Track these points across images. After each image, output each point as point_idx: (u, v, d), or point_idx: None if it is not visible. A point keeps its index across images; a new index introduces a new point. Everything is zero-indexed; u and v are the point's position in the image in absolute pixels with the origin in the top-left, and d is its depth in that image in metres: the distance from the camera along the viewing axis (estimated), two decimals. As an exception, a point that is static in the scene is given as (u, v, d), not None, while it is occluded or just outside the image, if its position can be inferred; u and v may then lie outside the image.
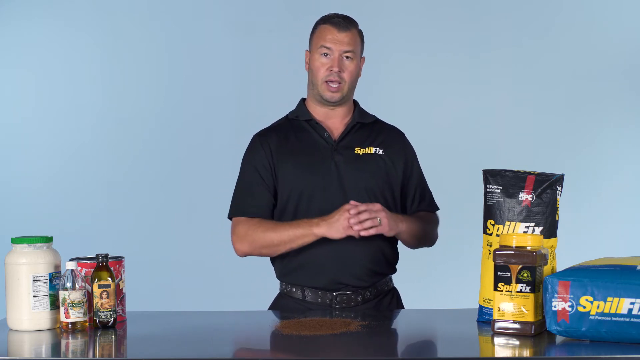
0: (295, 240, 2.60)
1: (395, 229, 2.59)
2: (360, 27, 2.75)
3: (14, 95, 4.65)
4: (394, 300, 2.76)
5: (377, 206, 2.54)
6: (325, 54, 2.67)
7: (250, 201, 2.70)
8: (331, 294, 2.65)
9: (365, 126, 2.77)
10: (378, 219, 2.52)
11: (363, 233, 2.52)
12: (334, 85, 2.67)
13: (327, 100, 2.70)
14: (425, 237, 2.74)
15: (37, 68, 4.64)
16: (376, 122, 2.81)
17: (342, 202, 2.63)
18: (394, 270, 2.78)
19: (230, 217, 2.74)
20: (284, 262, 2.71)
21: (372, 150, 2.72)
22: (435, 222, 2.80)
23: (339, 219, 2.53)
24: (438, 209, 2.83)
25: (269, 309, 2.76)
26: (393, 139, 2.77)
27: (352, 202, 2.53)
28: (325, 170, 2.68)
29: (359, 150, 2.72)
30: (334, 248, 2.61)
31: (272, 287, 2.80)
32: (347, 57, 2.67)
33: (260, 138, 2.76)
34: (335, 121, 2.75)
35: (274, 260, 2.75)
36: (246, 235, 2.66)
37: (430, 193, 2.82)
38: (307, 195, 2.67)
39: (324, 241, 2.61)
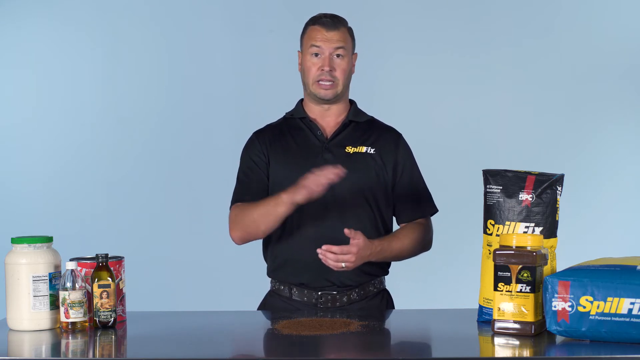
0: (270, 209, 2.59)
1: (359, 264, 2.56)
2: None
3: (14, 95, 4.65)
4: (384, 302, 2.75)
5: (352, 251, 2.50)
6: (316, 54, 2.68)
7: (245, 190, 2.72)
8: (316, 293, 2.66)
9: (360, 125, 2.77)
10: (343, 264, 2.50)
11: (323, 261, 2.51)
12: (327, 83, 2.67)
13: (321, 98, 2.70)
14: (408, 253, 2.71)
15: (37, 68, 4.64)
16: (372, 121, 2.80)
17: (330, 200, 2.64)
18: (385, 272, 2.78)
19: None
20: (272, 257, 2.73)
21: (364, 149, 2.72)
22: (423, 231, 2.74)
23: (302, 183, 2.51)
24: (436, 211, 2.80)
25: (259, 306, 2.78)
26: (387, 139, 2.76)
27: (324, 246, 2.50)
28: (314, 168, 2.68)
29: (350, 149, 2.72)
30: (320, 245, 2.60)
31: (269, 286, 2.80)
32: (338, 55, 2.68)
33: (257, 135, 2.79)
34: (329, 120, 2.76)
35: (265, 256, 2.78)
36: (235, 219, 2.68)
37: (427, 196, 2.79)
38: None
39: (311, 237, 2.63)
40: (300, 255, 2.67)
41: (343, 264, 2.51)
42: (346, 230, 2.50)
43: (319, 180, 2.50)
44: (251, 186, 2.73)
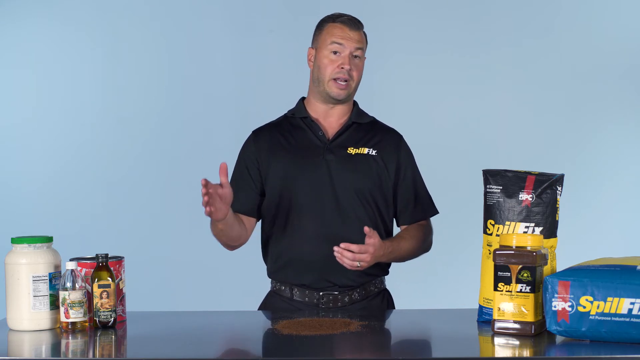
0: (214, 226, 2.61)
1: (373, 262, 2.57)
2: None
3: (14, 95, 4.65)
4: (385, 302, 2.75)
5: (369, 251, 2.50)
6: (335, 52, 2.67)
7: (234, 197, 2.70)
8: (318, 293, 2.66)
9: (362, 126, 2.76)
10: (358, 264, 2.50)
11: (339, 261, 2.51)
12: (343, 82, 2.67)
13: (333, 98, 2.69)
14: (413, 254, 2.72)
15: (37, 68, 4.64)
16: (374, 122, 2.80)
17: (332, 201, 2.65)
18: (386, 272, 2.78)
19: None
20: (273, 259, 2.73)
21: (365, 150, 2.72)
22: (425, 233, 2.76)
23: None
24: (436, 213, 2.80)
25: (260, 307, 2.77)
26: (388, 141, 2.76)
27: (343, 244, 2.49)
28: (315, 168, 2.68)
29: (352, 150, 2.71)
30: (322, 245, 2.61)
31: (269, 287, 2.80)
32: (356, 56, 2.68)
33: (255, 135, 2.78)
34: (332, 120, 2.75)
35: (265, 257, 2.78)
36: None
37: (428, 197, 2.79)
38: (296, 193, 2.68)
39: (312, 238, 2.64)
40: (301, 257, 2.66)
41: (358, 263, 2.51)
42: (366, 228, 2.50)
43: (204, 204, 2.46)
44: (240, 197, 2.71)
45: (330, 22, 2.71)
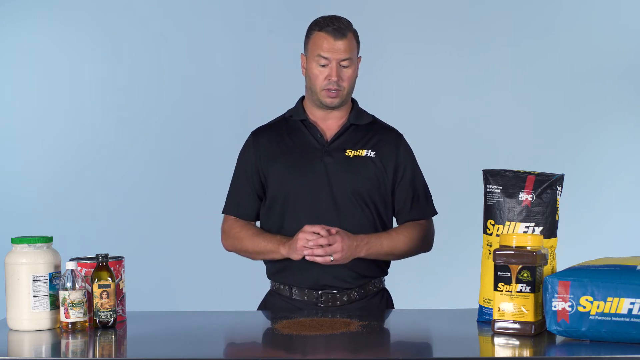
0: (267, 254, 2.68)
1: (350, 258, 2.59)
2: (359, 27, 2.73)
3: (14, 95, 4.65)
4: (384, 301, 2.75)
5: (337, 239, 2.54)
6: (323, 65, 2.65)
7: (235, 201, 2.76)
8: (317, 292, 2.66)
9: (361, 127, 2.75)
10: (331, 257, 2.54)
11: (310, 259, 2.55)
12: (334, 92, 2.66)
13: (326, 105, 2.70)
14: (403, 251, 2.70)
15: (37, 68, 4.64)
16: (373, 123, 2.78)
17: (330, 204, 2.65)
18: (385, 273, 2.77)
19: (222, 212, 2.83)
20: (272, 263, 2.73)
21: (364, 152, 2.71)
22: (421, 231, 2.73)
23: (295, 240, 2.56)
24: (434, 213, 2.78)
25: (259, 306, 2.78)
26: (387, 141, 2.74)
27: (306, 226, 2.54)
28: (313, 171, 2.67)
29: (350, 153, 2.70)
30: None
31: (269, 287, 2.80)
32: (345, 65, 2.66)
33: (254, 137, 2.78)
34: (331, 122, 2.74)
35: (264, 260, 2.78)
36: (229, 235, 2.77)
37: (427, 198, 2.77)
38: (294, 196, 2.67)
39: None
40: (298, 262, 2.65)
41: (331, 257, 2.52)
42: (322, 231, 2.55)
43: (310, 246, 2.54)
44: (241, 201, 2.75)
45: (317, 30, 2.67)
